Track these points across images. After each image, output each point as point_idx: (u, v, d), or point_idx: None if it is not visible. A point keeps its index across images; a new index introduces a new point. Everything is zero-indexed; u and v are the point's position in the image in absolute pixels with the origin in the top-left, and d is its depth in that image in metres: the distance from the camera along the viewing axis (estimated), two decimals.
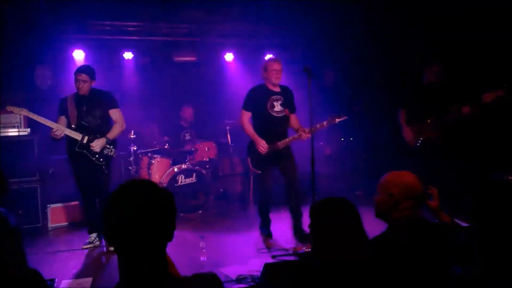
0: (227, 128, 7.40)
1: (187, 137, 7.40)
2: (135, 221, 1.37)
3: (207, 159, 6.98)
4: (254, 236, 5.23)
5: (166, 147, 7.06)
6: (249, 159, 5.15)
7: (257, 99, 5.06)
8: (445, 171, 5.08)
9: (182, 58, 8.12)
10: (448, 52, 5.61)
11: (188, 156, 6.89)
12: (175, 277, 1.48)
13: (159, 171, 6.78)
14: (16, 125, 5.81)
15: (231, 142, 7.32)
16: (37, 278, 1.67)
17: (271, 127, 5.02)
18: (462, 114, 4.87)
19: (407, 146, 5.40)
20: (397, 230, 2.28)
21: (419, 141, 5.28)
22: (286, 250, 4.62)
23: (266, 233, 5.14)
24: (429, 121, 5.19)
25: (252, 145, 5.08)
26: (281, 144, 4.96)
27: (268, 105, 5.00)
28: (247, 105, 5.11)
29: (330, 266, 1.86)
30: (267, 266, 3.05)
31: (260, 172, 5.05)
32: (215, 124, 7.73)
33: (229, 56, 8.29)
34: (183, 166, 6.56)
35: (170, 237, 1.46)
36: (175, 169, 6.50)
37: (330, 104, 6.79)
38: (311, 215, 1.99)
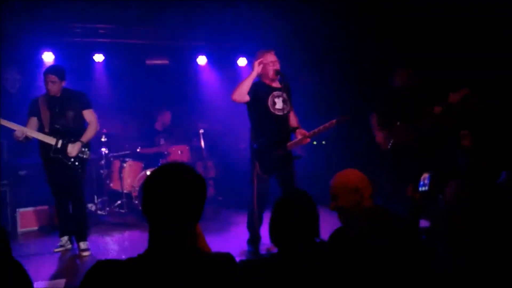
0: (201, 131, 7.29)
1: (162, 142, 7.27)
2: (171, 196, 1.52)
3: None
4: (226, 238, 5.29)
5: (138, 150, 7.00)
6: (257, 163, 4.45)
7: (257, 95, 4.47)
8: (417, 171, 5.20)
9: (154, 61, 8.07)
10: (416, 55, 5.76)
11: (160, 159, 6.85)
12: (200, 251, 1.67)
13: (131, 175, 6.75)
14: None
15: (205, 146, 7.30)
16: (21, 270, 1.77)
17: (274, 128, 4.49)
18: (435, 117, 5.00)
19: (380, 150, 5.50)
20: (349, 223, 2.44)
21: (389, 144, 5.39)
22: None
23: (253, 251, 4.61)
24: (398, 123, 5.30)
25: (263, 148, 4.45)
26: (290, 145, 4.48)
27: (269, 103, 4.48)
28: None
29: (288, 262, 1.99)
30: (241, 262, 3.09)
31: (266, 177, 4.46)
32: (188, 128, 7.70)
33: (201, 60, 8.24)
34: None
35: (198, 217, 1.62)
36: (148, 173, 6.44)
37: (307, 107, 6.85)
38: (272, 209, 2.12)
